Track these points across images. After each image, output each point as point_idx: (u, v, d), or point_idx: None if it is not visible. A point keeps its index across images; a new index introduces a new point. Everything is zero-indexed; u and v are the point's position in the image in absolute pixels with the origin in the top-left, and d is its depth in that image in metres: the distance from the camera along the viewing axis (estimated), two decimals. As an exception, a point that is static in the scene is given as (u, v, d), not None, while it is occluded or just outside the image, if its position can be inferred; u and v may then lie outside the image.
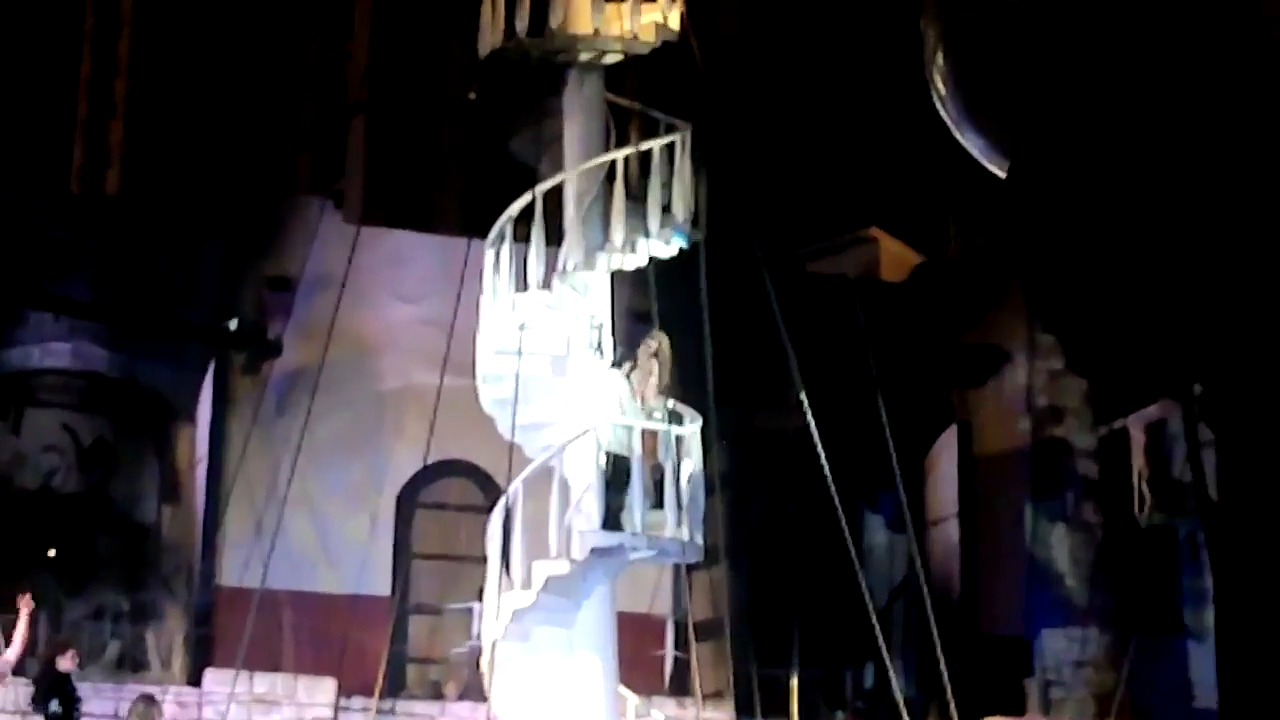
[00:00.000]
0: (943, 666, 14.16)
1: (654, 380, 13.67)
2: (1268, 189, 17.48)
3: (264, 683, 18.68)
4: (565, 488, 13.30)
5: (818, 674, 20.78)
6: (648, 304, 14.12)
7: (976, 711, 17.88)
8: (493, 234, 14.14)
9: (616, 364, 13.88)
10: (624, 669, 13.78)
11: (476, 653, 13.83)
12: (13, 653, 13.31)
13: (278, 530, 15.71)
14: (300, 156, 27.58)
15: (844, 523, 13.95)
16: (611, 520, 13.11)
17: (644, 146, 13.98)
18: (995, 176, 20.46)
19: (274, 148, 27.06)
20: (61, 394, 20.19)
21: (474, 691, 17.59)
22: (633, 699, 14.00)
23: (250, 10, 28.09)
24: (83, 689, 14.77)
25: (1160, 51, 17.61)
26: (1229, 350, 18.39)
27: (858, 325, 16.54)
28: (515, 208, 13.99)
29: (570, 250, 14.01)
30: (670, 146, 14.07)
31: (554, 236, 14.18)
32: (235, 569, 18.58)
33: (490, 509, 13.53)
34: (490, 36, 14.30)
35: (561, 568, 12.98)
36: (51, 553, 19.84)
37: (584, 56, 14.29)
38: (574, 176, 14.10)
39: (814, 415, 14.36)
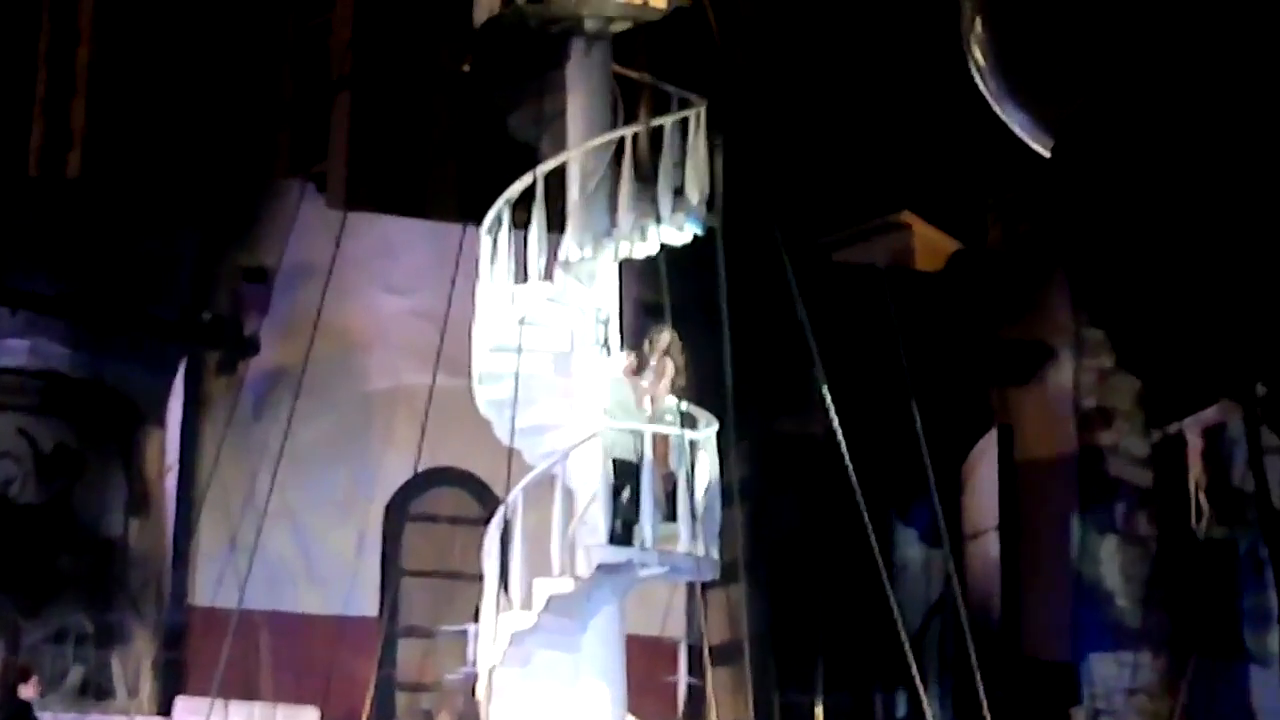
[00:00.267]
0: (981, 694, 14.12)
1: (665, 380, 13.63)
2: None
3: (240, 712, 18.65)
4: (569, 498, 13.26)
5: (845, 702, 20.73)
6: (659, 296, 14.08)
7: (1019, 742, 17.86)
8: (489, 219, 14.10)
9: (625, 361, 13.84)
10: (633, 697, 13.74)
11: (472, 679, 13.79)
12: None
13: (255, 545, 15.66)
14: (278, 136, 27.53)
15: (873, 536, 13.90)
16: (620, 534, 13.07)
17: (655, 123, 13.95)
18: (1039, 155, 20.39)
19: (250, 127, 27.01)
20: (18, 395, 20.12)
21: (469, 721, 17.55)
22: (643, 730, 13.97)
23: (224, -23, 28.10)
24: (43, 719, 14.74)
25: (1225, 9, 17.53)
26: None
27: (888, 319, 16.48)
28: (514, 191, 13.94)
29: (574, 237, 13.97)
30: (684, 123, 14.03)
31: (556, 222, 14.14)
32: (209, 587, 18.52)
33: (487, 521, 13.49)
34: (486, 2, 14.26)
35: (565, 586, 12.94)
36: None
37: (589, 24, 14.27)
38: (578, 156, 14.06)
39: (841, 418, 14.30)
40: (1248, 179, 17.56)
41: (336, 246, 15.73)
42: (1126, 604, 21.20)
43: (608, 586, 13.23)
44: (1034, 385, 22.27)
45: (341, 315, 19.05)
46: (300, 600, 19.32)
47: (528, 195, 13.81)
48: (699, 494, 13.31)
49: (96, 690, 19.63)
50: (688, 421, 13.54)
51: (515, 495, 13.14)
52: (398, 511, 20.15)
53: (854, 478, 14.00)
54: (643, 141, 13.97)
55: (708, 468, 13.49)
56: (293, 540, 19.22)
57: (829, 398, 14.45)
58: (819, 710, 19.69)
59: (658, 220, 13.79)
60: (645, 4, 14.14)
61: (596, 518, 13.03)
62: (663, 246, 13.94)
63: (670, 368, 13.65)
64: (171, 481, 19.75)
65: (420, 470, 17.44)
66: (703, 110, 14.11)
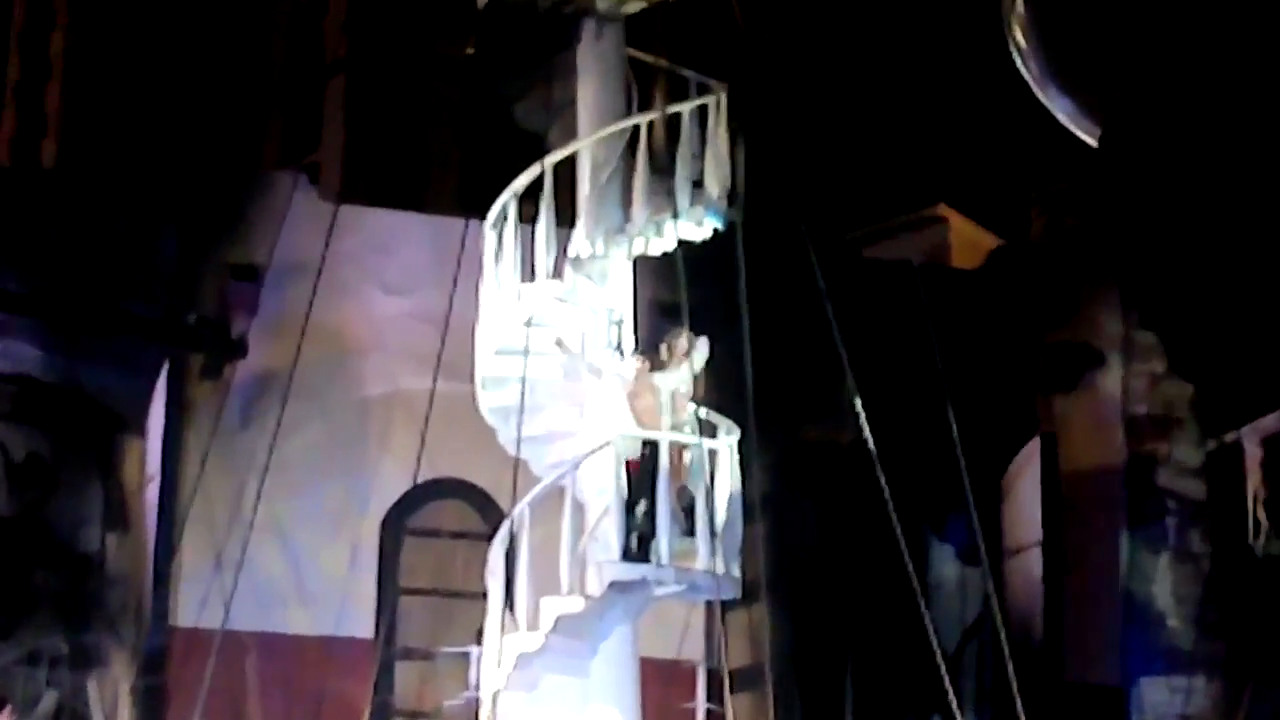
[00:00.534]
0: (1023, 721, 14.17)
1: (685, 386, 13.70)
2: None
3: (226, 740, 18.74)
4: (579, 511, 13.33)
5: (876, 731, 20.78)
6: (676, 296, 14.16)
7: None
8: (494, 214, 14.19)
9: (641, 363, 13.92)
10: (648, 724, 13.82)
11: (474, 705, 13.86)
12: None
13: (242, 561, 15.77)
14: (268, 124, 27.64)
15: (906, 553, 13.95)
16: (635, 550, 13.14)
17: (672, 110, 14.01)
18: (1085, 144, 20.42)
19: (238, 113, 27.11)
20: (-12, 401, 20.24)
21: (472, 750, 17.63)
22: (658, 759, 14.04)
23: (210, -47, 28.18)
24: (14, 747, 14.85)
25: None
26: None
27: (923, 320, 16.54)
28: (521, 183, 14.03)
29: (585, 233, 14.05)
30: (703, 110, 14.11)
31: (566, 216, 14.21)
32: (192, 607, 18.62)
33: (491, 536, 13.57)
34: (491, -19, 14.37)
35: (575, 605, 13.02)
36: None
37: (601, 4, 14.36)
38: (589, 146, 14.15)
39: (871, 426, 14.37)
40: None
41: (329, 242, 15.83)
42: (1179, 625, 21.20)
43: (620, 606, 13.31)
44: (1080, 391, 22.28)
45: (335, 316, 19.15)
46: (290, 620, 19.38)
47: (535, 188, 13.89)
48: (719, 507, 13.37)
49: (72, 716, 19.72)
50: (706, 430, 13.60)
51: (521, 508, 13.22)
52: (395, 526, 20.21)
53: (886, 490, 14.06)
54: (659, 130, 14.05)
55: (728, 479, 13.56)
56: (282, 556, 19.30)
57: (859, 404, 14.51)
58: (847, 741, 19.75)
59: (675, 214, 13.88)
60: (662, -18, 14.23)
61: (609, 532, 13.10)
62: (680, 243, 14.01)
63: (687, 371, 13.71)
64: (153, 493, 19.82)
65: (419, 481, 17.55)
66: (723, 96, 14.18)
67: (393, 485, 19.70)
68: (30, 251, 19.91)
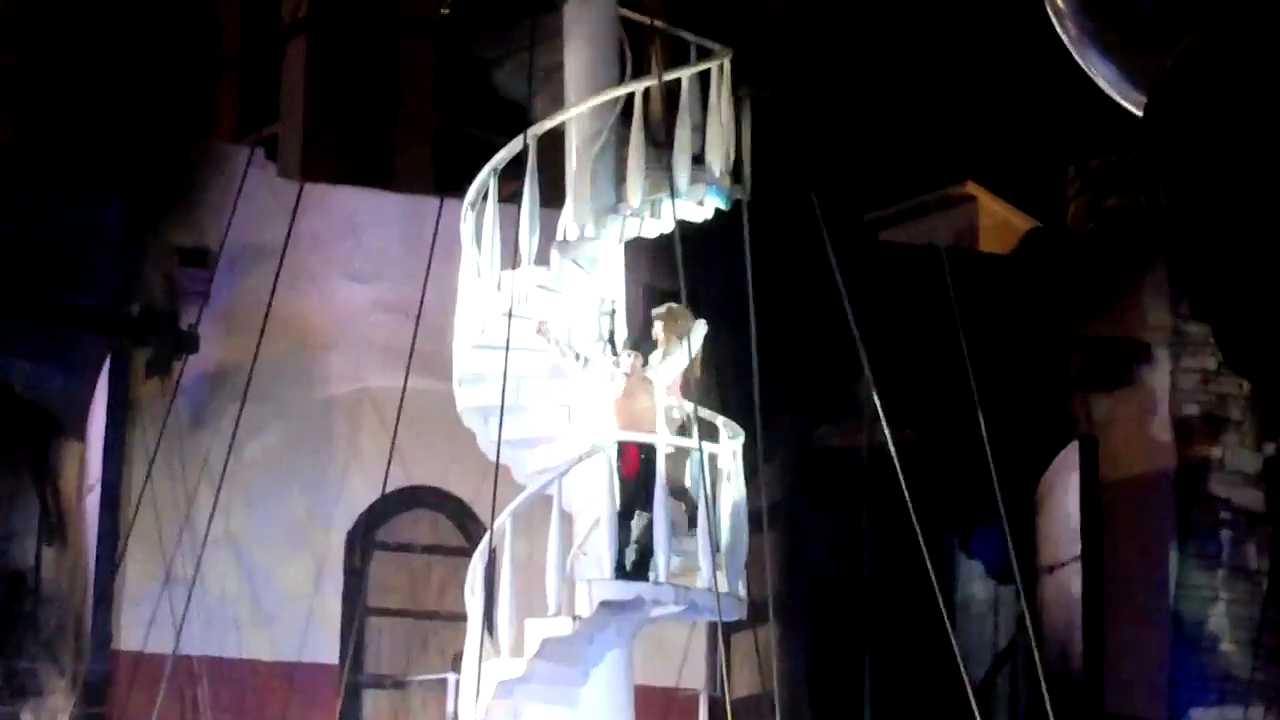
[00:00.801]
0: (1060, 756, 14.19)
1: (678, 371, 13.68)
2: None
3: (175, 777, 18.77)
4: (567, 523, 13.33)
5: (897, 767, 20.83)
6: (674, 283, 14.14)
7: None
8: (472, 192, 14.18)
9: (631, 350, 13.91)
10: (644, 759, 13.84)
11: (452, 738, 13.88)
12: None
13: (194, 579, 15.79)
14: (221, 92, 27.63)
15: (931, 570, 13.96)
16: (632, 566, 13.16)
17: (670, 77, 14.01)
18: (1129, 114, 20.42)
19: (187, 80, 27.10)
20: (-89, 401, 20.25)
21: (448, 788, 17.64)
22: (655, 798, 14.07)
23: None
24: (-60, 785, 14.85)
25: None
26: None
27: (949, 310, 16.54)
28: (501, 158, 14.02)
29: (574, 213, 14.05)
30: (704, 76, 14.10)
31: (552, 195, 14.21)
32: (138, 629, 18.63)
33: (470, 551, 13.56)
34: (469, -66, 14.38)
35: (562, 627, 13.03)
36: None
37: (591, -40, 14.35)
38: (578, 117, 14.14)
39: (892, 429, 14.37)
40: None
41: (290, 224, 15.83)
42: (1233, 650, 21.25)
43: (613, 628, 13.32)
44: (1124, 390, 22.31)
45: (296, 306, 19.15)
46: (246, 644, 19.40)
47: (518, 164, 13.88)
48: (722, 519, 13.38)
49: (4, 752, 19.76)
50: (708, 432, 13.60)
51: (503, 520, 13.22)
52: (363, 539, 20.23)
53: (908, 500, 14.07)
54: (655, 99, 14.04)
55: (733, 487, 13.56)
56: (238, 573, 19.31)
57: (878, 404, 14.52)
58: (865, 777, 19.79)
59: (673, 193, 13.86)
60: (658, -65, 14.24)
61: (600, 547, 13.11)
62: (679, 224, 14.00)
63: (684, 355, 13.67)
64: (93, 503, 19.82)
65: (389, 490, 17.54)
66: (727, 61, 14.17)
67: (360, 494, 19.72)
68: (-45, 235, 19.92)
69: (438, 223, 15.12)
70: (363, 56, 25.96)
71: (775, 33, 14.45)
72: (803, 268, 17.14)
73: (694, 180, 13.99)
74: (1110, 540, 21.24)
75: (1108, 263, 22.55)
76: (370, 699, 20.22)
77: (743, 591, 13.59)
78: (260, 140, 23.49)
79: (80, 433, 20.45)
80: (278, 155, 24.01)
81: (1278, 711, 21.00)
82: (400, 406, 15.30)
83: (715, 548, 13.21)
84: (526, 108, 14.83)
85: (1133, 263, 22.38)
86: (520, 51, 14.95)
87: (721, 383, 16.88)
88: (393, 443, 15.49)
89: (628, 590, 13.07)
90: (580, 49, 14.43)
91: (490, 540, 13.27)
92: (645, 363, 13.83)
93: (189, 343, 19.58)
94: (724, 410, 14.23)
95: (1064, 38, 20.41)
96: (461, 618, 13.64)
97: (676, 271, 13.74)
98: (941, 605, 14.11)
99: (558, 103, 14.43)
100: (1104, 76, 20.30)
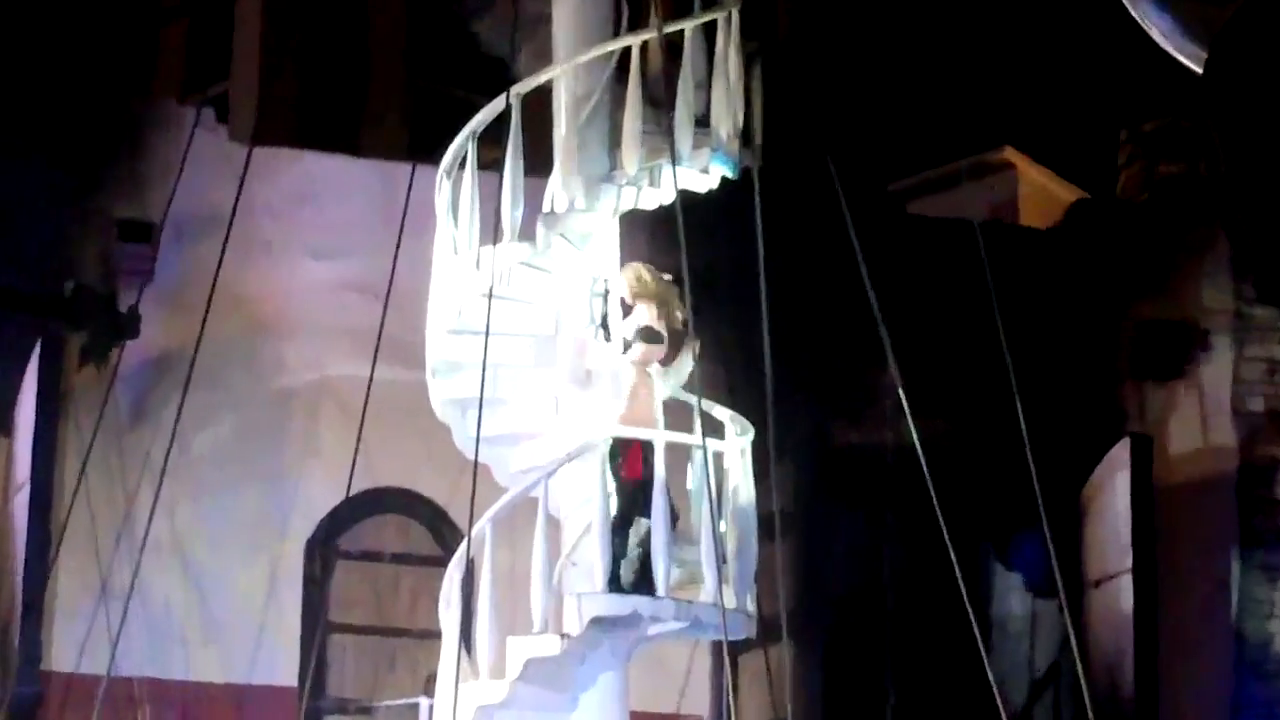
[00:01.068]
0: (1108, 793, 14.26)
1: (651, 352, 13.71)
2: None
3: (114, 814, 18.80)
4: (555, 529, 13.37)
5: (924, 804, 20.90)
6: (675, 260, 14.17)
7: None
8: (448, 158, 14.21)
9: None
10: (640, 794, 13.90)
11: (424, 770, 13.95)
12: None
13: (133, 590, 15.79)
14: (166, 44, 27.63)
15: (963, 583, 14.01)
16: (632, 578, 13.20)
17: (671, 29, 14.03)
18: (1187, 70, 20.44)
19: (128, 31, 27.10)
20: None
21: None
22: (653, 838, 14.14)
23: None
24: None
25: None
26: None
27: (985, 291, 16.57)
28: (481, 120, 14.05)
29: (563, 182, 14.08)
30: (709, 28, 14.12)
31: (538, 162, 14.24)
32: (71, 647, 18.69)
33: (444, 560, 13.60)
34: None
35: (549, 647, 13.07)
36: None
37: (581, -105, 14.37)
38: (567, 74, 14.17)
39: (919, 424, 14.41)
40: None
41: (240, 193, 15.84)
42: (1304, 672, 21.32)
43: (606, 648, 13.36)
44: (1180, 381, 22.36)
45: (249, 284, 19.21)
46: (193, 665, 19.46)
47: (499, 126, 13.91)
48: (728, 525, 13.42)
49: (-80, 785, 19.80)
50: (713, 427, 13.65)
51: (482, 526, 13.25)
52: (324, 547, 20.30)
53: (937, 503, 14.10)
54: (654, 54, 14.06)
55: (741, 489, 13.60)
56: (183, 585, 19.38)
57: (904, 395, 14.56)
58: (889, 815, 19.87)
59: (674, 159, 13.88)
60: None
61: (592, 556, 13.15)
62: (681, 194, 14.02)
63: (689, 360, 13.71)
64: (21, 505, 19.88)
65: (354, 492, 17.55)
66: (735, 11, 14.19)
67: (321, 496, 19.78)
68: None
69: (409, 192, 15.14)
70: (326, 4, 25.98)
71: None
72: (820, 243, 17.18)
73: (698, 145, 13.99)
74: (1165, 550, 21.30)
75: (1162, 238, 22.60)
76: (333, 727, 20.31)
77: (752, 607, 13.63)
78: (210, 99, 23.50)
79: (6, 427, 20.51)
80: (229, 115, 24.01)
81: (1352, 743, 21.09)
82: (366, 398, 15.33)
83: (721, 557, 13.24)
84: (509, 64, 14.86)
85: (1190, 238, 22.43)
86: (503, 1, 14.96)
87: (728, 373, 16.93)
88: (358, 439, 15.51)
89: (622, 605, 13.09)
90: (570, -1, 14.47)
91: (468, 548, 13.30)
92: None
93: (129, 326, 19.62)
94: (730, 404, 14.25)
95: (1114, -15, 20.44)
96: (436, 635, 13.67)
97: (678, 247, 13.75)
98: (975, 623, 14.14)
99: (545, 58, 14.45)
100: (1159, 28, 20.31)
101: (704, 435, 13.36)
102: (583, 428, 13.62)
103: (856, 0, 26.09)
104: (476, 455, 13.46)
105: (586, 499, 13.34)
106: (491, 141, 14.02)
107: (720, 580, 13.20)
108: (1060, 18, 25.41)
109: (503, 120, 13.95)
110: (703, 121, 14.07)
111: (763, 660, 17.00)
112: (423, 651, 18.56)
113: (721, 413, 13.96)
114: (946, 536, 14.05)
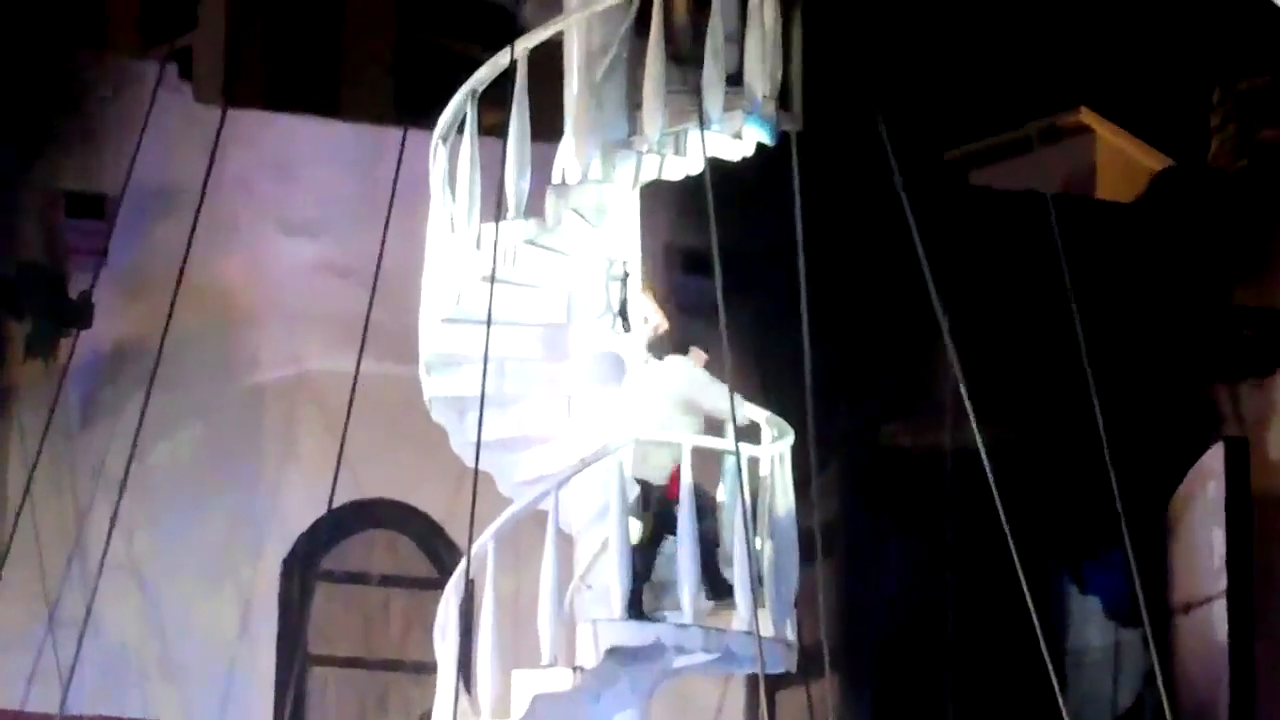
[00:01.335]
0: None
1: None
2: None
3: None
4: (566, 547, 13.37)
5: None
6: (703, 239, 14.16)
7: None
8: (443, 122, 14.21)
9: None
10: None
11: (417, 823, 13.97)
12: None
13: (86, 620, 15.78)
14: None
15: (1034, 609, 13.98)
16: (652, 604, 13.22)
17: (699, -28, 14.05)
18: (1288, 24, 20.44)
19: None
20: None
21: None
22: None
23: None
24: None
25: None
26: None
27: (1058, 274, 16.55)
28: (481, 79, 14.04)
29: (575, 150, 14.06)
30: (743, -28, 14.12)
31: (547, 127, 14.23)
32: (15, 683, 18.67)
33: (441, 583, 13.60)
34: None
35: (560, 681, 13.07)
36: None
37: None
38: (580, 25, 14.16)
39: (984, 427, 14.38)
40: None
41: (210, 161, 15.84)
42: None
43: (625, 682, 13.37)
44: (1280, 378, 22.38)
45: (218, 267, 19.19)
46: (153, 703, 19.47)
47: (502, 85, 13.90)
48: (764, 540, 13.41)
49: None
50: (747, 430, 13.64)
51: (483, 543, 13.25)
52: (303, 568, 20.28)
53: (1004, 519, 14.07)
54: (680, 5, 14.06)
55: (779, 500, 13.59)
56: (142, 612, 19.38)
57: (965, 395, 14.53)
58: None
59: (702, 123, 13.88)
60: None
61: (609, 578, 13.14)
62: (710, 163, 14.01)
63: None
64: (-42, 521, 19.94)
65: (337, 505, 17.55)
66: (772, -44, 14.20)
67: (299, 510, 19.76)
68: None
69: (399, 161, 15.10)
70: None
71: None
72: (868, 219, 17.14)
73: (729, 106, 14.00)
74: (1262, 570, 21.29)
75: (1261, 212, 22.58)
76: (313, 772, 20.35)
77: (791, 636, 13.64)
78: (172, 54, 23.49)
79: (-58, 430, 20.55)
80: (194, 73, 24.04)
81: None
82: (351, 396, 15.29)
83: (756, 578, 13.24)
84: (514, 12, 14.84)
85: (1294, 214, 22.45)
86: (507, -58, 14.99)
87: (762, 369, 16.91)
88: (341, 443, 15.47)
89: (643, 634, 13.12)
90: (583, -61, 14.47)
91: (466, 569, 13.31)
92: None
93: (80, 314, 19.63)
94: (765, 402, 14.24)
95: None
96: (431, 668, 13.68)
97: (706, 224, 13.75)
98: (1047, 655, 14.13)
99: (554, 8, 14.45)
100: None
101: (737, 439, 13.35)
102: (599, 430, 13.62)
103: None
104: (477, 462, 13.45)
105: (603, 512, 13.34)
106: (493, 102, 14.02)
107: (755, 604, 13.20)
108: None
109: (507, 78, 13.95)
110: (735, 79, 14.06)
111: (804, 697, 16.98)
112: (416, 687, 18.55)
113: (756, 413, 13.94)
114: (1015, 556, 14.02)
